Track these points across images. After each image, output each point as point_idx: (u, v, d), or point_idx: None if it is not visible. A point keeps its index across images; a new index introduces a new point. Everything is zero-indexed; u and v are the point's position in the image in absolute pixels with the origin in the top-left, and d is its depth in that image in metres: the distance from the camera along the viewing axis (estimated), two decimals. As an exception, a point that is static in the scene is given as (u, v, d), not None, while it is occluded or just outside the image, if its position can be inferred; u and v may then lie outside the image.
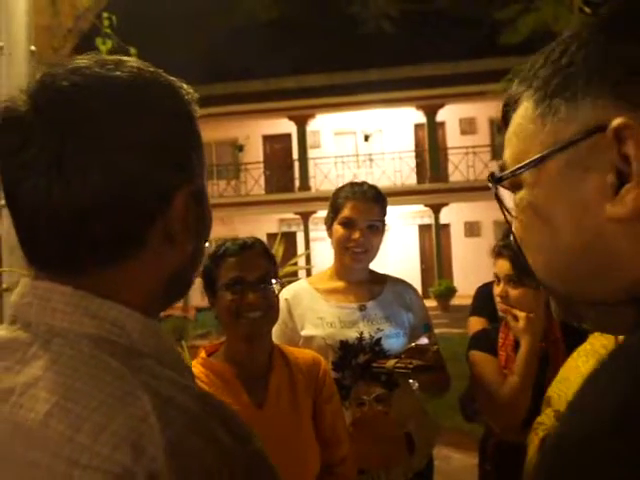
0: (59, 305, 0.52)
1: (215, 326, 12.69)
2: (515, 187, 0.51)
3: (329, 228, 1.91)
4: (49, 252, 0.53)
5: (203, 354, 1.45)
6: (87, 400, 0.46)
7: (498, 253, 1.92)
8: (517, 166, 0.50)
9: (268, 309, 1.38)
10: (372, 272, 1.98)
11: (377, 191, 1.91)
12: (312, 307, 1.83)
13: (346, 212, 1.84)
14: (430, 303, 15.55)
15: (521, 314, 1.79)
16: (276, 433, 1.31)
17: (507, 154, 0.52)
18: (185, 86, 0.61)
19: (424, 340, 1.72)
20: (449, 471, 4.25)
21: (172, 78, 0.60)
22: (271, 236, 17.15)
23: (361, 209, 1.83)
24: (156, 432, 0.45)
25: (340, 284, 1.90)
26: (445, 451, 4.49)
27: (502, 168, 0.53)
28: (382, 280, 1.96)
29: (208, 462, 0.46)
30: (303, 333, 1.80)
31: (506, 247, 1.92)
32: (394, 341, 1.80)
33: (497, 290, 1.87)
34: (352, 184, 1.93)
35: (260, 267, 1.39)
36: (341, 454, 1.46)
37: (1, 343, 0.52)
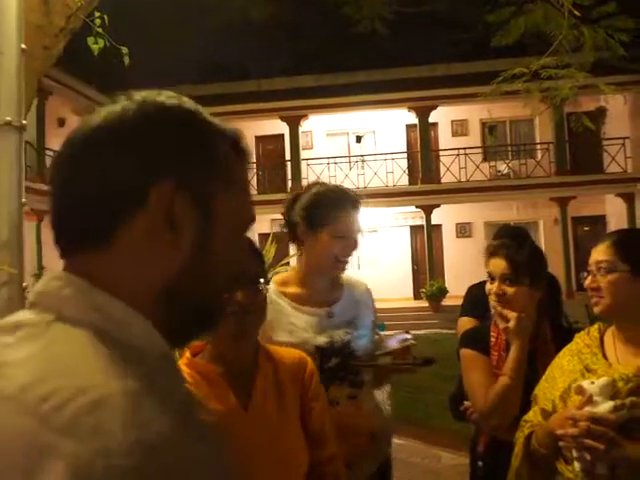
0: (70, 294, 0.58)
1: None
2: None
3: (302, 235, 1.88)
4: (58, 236, 0.63)
5: (188, 354, 1.43)
6: (64, 376, 0.50)
7: (493, 252, 1.93)
8: None
9: (256, 309, 1.36)
10: None
11: (360, 201, 1.93)
12: (283, 312, 1.84)
13: (340, 225, 1.84)
14: (422, 304, 15.59)
15: (512, 314, 1.80)
16: (263, 433, 1.31)
17: None
18: (174, 97, 0.66)
19: (407, 337, 1.83)
20: (439, 469, 4.27)
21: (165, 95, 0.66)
22: (263, 236, 17.11)
23: (353, 222, 1.87)
24: (120, 411, 0.48)
25: (305, 290, 1.90)
26: (435, 450, 4.51)
27: None
28: (339, 282, 1.96)
29: (164, 441, 0.49)
30: (276, 339, 1.79)
31: (502, 246, 1.93)
32: (361, 343, 1.84)
33: (492, 288, 1.88)
34: (341, 197, 1.88)
35: (248, 267, 1.36)
36: (329, 452, 1.45)
37: (12, 324, 0.57)
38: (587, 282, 1.57)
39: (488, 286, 1.93)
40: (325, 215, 1.84)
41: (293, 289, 1.90)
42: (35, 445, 0.46)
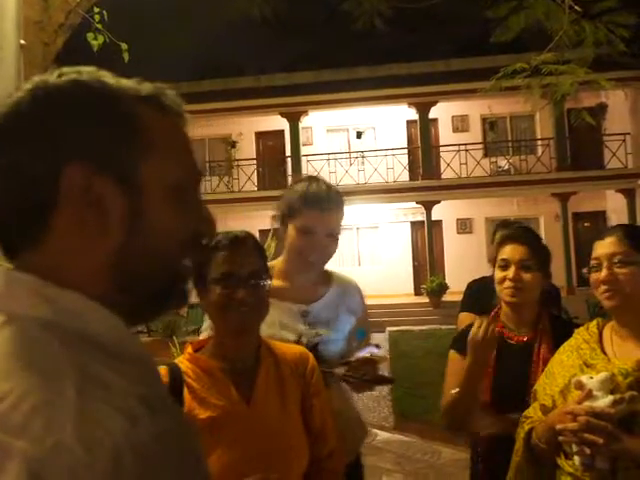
0: (19, 292, 0.56)
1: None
2: None
3: (283, 226, 1.86)
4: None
5: (189, 349, 1.43)
6: (16, 376, 0.50)
7: (510, 238, 1.91)
8: None
9: (258, 305, 1.36)
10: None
11: (338, 197, 1.85)
12: None
13: (304, 220, 1.78)
14: (422, 300, 15.59)
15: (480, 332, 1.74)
16: (265, 428, 1.31)
17: None
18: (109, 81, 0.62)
19: (374, 350, 1.70)
20: (439, 465, 4.28)
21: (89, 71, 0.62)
22: (263, 232, 17.09)
23: (320, 219, 1.78)
24: (70, 404, 0.48)
25: (284, 284, 1.83)
26: (435, 446, 4.52)
27: None
28: (327, 279, 1.90)
29: (116, 436, 0.48)
30: None
31: (521, 232, 1.92)
32: (332, 347, 1.76)
33: (509, 274, 1.85)
34: (312, 192, 1.82)
35: (251, 262, 1.37)
36: (330, 448, 1.46)
37: None
38: (602, 275, 1.53)
39: (500, 273, 1.88)
40: (293, 207, 1.80)
41: (274, 281, 1.87)
42: None
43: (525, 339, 1.86)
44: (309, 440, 1.40)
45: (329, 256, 1.84)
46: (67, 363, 0.52)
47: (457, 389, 1.80)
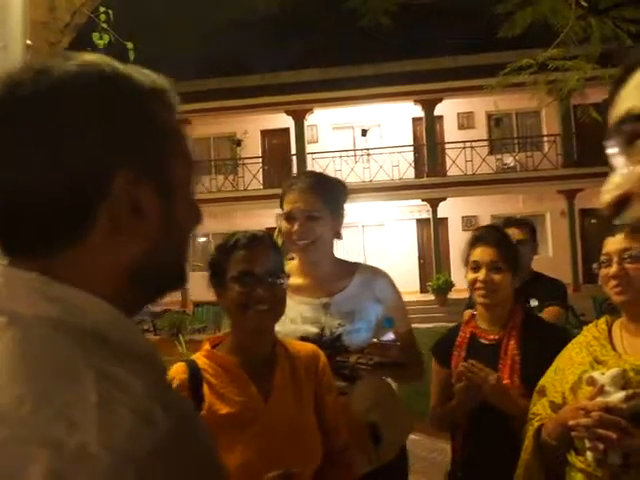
0: (22, 291, 0.54)
1: (212, 321, 12.71)
2: (635, 136, 0.53)
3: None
4: (3, 238, 0.57)
5: (207, 346, 1.45)
6: (31, 379, 0.48)
7: (479, 240, 1.94)
8: None
9: (275, 303, 1.39)
10: (341, 263, 1.93)
11: (317, 180, 1.86)
12: None
13: (286, 206, 1.83)
14: (428, 297, 15.57)
15: (492, 379, 1.75)
16: (282, 424, 1.34)
17: (632, 104, 0.54)
18: (148, 79, 0.61)
19: (389, 336, 1.71)
20: (443, 463, 4.27)
21: (125, 69, 0.60)
22: (269, 230, 17.07)
23: (297, 201, 1.80)
24: (93, 409, 0.47)
25: (305, 280, 1.86)
26: (441, 444, 4.52)
27: (622, 119, 0.54)
28: (351, 271, 1.89)
29: (141, 442, 0.48)
30: None
31: (489, 234, 1.95)
32: (356, 336, 1.76)
33: (479, 276, 1.88)
34: (293, 177, 1.90)
35: (269, 261, 1.39)
36: (342, 442, 1.49)
37: None
38: (612, 270, 1.53)
39: (471, 275, 1.92)
40: (281, 199, 1.86)
41: (293, 279, 1.85)
42: (13, 454, 0.44)
43: (496, 337, 1.89)
44: (322, 434, 1.42)
45: (321, 239, 1.81)
46: (82, 363, 0.50)
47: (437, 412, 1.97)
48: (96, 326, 0.54)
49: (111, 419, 0.47)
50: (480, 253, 1.91)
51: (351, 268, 1.91)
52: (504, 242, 1.94)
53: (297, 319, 1.77)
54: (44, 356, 0.51)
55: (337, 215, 1.87)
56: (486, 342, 1.91)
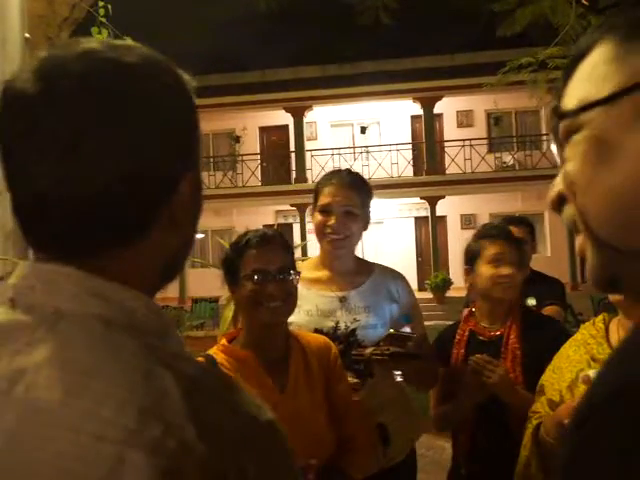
0: (65, 286, 0.51)
1: (210, 317, 12.72)
2: (572, 131, 0.51)
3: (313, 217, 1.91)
4: (54, 234, 0.53)
5: (224, 341, 1.52)
6: (107, 377, 0.46)
7: (488, 235, 1.93)
8: (589, 102, 0.48)
9: (287, 298, 1.45)
10: (360, 261, 1.95)
11: (356, 177, 1.89)
12: None
13: (323, 199, 1.83)
14: (426, 295, 15.57)
15: (500, 370, 1.75)
16: (297, 414, 1.39)
17: (571, 98, 0.52)
18: (186, 75, 0.62)
19: (406, 329, 1.69)
20: (442, 461, 4.28)
21: (176, 66, 0.61)
22: (267, 227, 17.06)
23: (337, 195, 1.81)
24: (179, 404, 0.46)
25: (324, 273, 1.88)
26: (439, 442, 4.52)
27: (561, 113, 0.52)
28: (369, 270, 1.92)
29: (230, 430, 0.48)
30: None
31: (499, 228, 1.96)
32: (370, 332, 1.77)
33: (503, 271, 1.86)
34: (332, 171, 1.92)
35: (280, 259, 1.46)
36: (353, 430, 1.53)
37: (4, 327, 0.51)
38: None
39: (490, 270, 1.88)
40: (316, 192, 1.87)
41: (312, 273, 1.87)
42: (105, 455, 0.43)
43: (496, 334, 1.89)
44: (335, 421, 1.49)
45: (353, 236, 1.84)
46: (150, 360, 0.49)
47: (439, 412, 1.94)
48: (137, 321, 0.53)
49: (199, 411, 0.47)
50: (488, 247, 1.90)
51: (369, 267, 1.94)
52: (514, 239, 1.95)
53: (313, 311, 1.79)
54: (111, 352, 0.49)
55: (367, 214, 1.91)
56: (485, 339, 1.91)
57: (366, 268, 1.92)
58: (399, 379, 1.72)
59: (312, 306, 1.79)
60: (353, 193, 1.84)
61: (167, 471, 0.43)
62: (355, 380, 1.70)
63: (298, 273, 1.50)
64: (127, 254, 0.54)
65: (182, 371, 0.49)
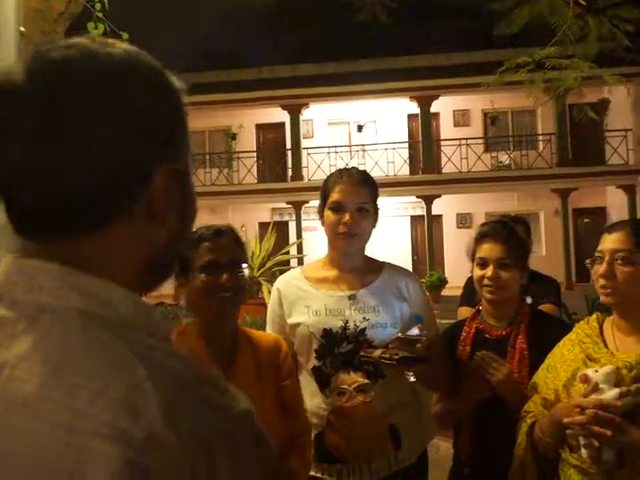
0: (45, 282, 0.52)
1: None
2: None
3: (322, 216, 1.88)
4: (33, 219, 0.55)
5: (176, 332, 1.56)
6: (82, 370, 0.47)
7: (487, 235, 1.91)
8: None
9: (238, 290, 1.50)
10: (369, 259, 1.94)
11: (365, 175, 1.88)
12: (301, 296, 1.82)
13: (335, 196, 1.81)
14: (421, 294, 15.60)
15: (505, 369, 1.75)
16: None
17: None
18: (170, 72, 0.62)
19: (415, 331, 1.65)
20: (437, 459, 4.28)
21: (158, 63, 0.61)
22: (263, 225, 17.06)
23: (349, 192, 1.80)
24: (151, 396, 0.46)
25: (332, 272, 1.86)
26: (434, 440, 4.54)
27: None
28: (378, 268, 1.90)
29: (204, 424, 0.48)
30: (289, 321, 1.80)
31: (497, 230, 1.92)
32: (380, 331, 1.75)
33: (487, 273, 1.85)
34: (340, 170, 1.90)
35: (232, 252, 1.52)
36: (301, 427, 1.61)
37: None
38: (602, 270, 1.52)
39: (479, 272, 1.88)
40: (326, 190, 1.86)
41: (320, 272, 1.87)
42: (77, 446, 0.44)
43: (504, 333, 1.87)
44: (283, 418, 1.55)
45: (364, 233, 1.83)
46: (127, 352, 0.49)
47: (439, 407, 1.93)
48: (121, 315, 0.53)
49: (172, 404, 0.47)
50: (488, 249, 1.87)
51: (379, 265, 1.92)
52: (512, 238, 1.90)
53: (321, 311, 1.77)
54: (87, 346, 0.49)
55: (377, 212, 1.89)
56: (492, 337, 1.89)
57: (376, 266, 1.91)
58: (412, 379, 1.68)
59: (320, 306, 1.78)
60: (365, 190, 1.83)
61: (134, 462, 0.43)
62: (365, 381, 1.68)
63: (249, 268, 1.55)
64: (101, 242, 0.55)
65: (158, 364, 0.50)
